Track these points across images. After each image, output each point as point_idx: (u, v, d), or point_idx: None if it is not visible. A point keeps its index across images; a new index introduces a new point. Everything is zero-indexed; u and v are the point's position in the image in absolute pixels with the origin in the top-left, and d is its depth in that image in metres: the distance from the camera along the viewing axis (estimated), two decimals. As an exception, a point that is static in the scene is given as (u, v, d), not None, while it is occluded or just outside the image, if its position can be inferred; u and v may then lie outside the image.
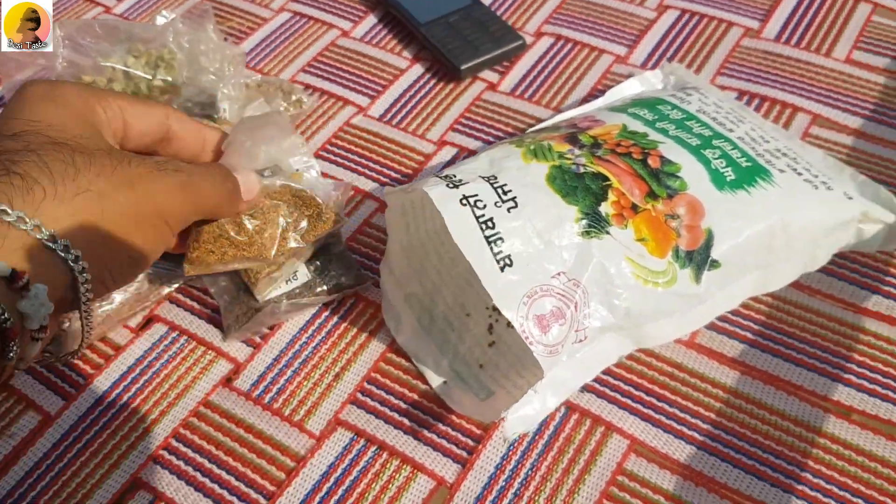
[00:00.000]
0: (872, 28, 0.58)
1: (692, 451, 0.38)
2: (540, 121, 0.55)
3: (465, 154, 0.53)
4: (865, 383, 0.40)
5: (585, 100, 0.56)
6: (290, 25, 0.64)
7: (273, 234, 0.41)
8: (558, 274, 0.36)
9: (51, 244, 0.29)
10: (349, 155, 0.54)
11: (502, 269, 0.35)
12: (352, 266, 0.46)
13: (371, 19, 0.64)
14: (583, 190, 0.37)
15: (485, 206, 0.36)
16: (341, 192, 0.45)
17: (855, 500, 0.36)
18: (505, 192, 0.37)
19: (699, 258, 0.38)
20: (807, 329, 0.42)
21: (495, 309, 0.38)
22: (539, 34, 0.61)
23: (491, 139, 0.54)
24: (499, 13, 0.63)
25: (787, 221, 0.40)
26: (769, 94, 0.54)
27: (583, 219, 0.37)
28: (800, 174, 0.42)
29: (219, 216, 0.39)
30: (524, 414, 0.38)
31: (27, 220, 0.29)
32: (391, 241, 0.43)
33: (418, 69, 0.60)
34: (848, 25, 0.59)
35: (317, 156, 0.54)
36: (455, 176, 0.38)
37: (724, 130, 0.43)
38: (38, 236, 0.29)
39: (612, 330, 0.38)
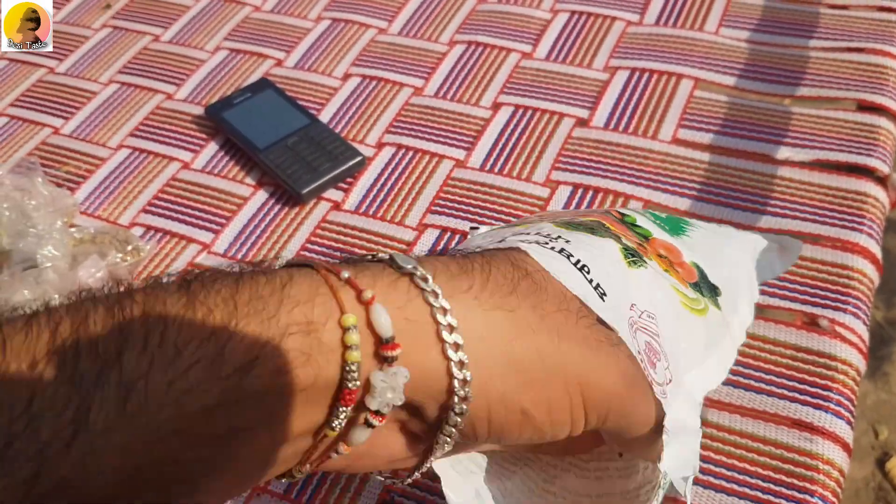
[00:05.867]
0: (695, 104, 0.61)
1: None
2: (386, 237, 0.55)
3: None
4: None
5: (429, 209, 0.56)
6: (130, 162, 0.63)
7: None
8: (632, 306, 0.31)
9: (451, 353, 0.25)
10: (194, 298, 0.53)
11: (601, 297, 0.30)
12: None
13: (212, 147, 0.64)
14: (599, 228, 0.34)
15: (547, 238, 0.32)
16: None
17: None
18: (547, 235, 0.32)
19: (705, 287, 0.36)
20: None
21: None
22: (380, 145, 0.62)
23: (338, 262, 0.54)
24: (339, 127, 0.63)
25: (727, 255, 0.40)
26: (601, 185, 0.56)
27: (623, 247, 0.33)
28: (703, 226, 0.42)
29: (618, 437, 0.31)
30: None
31: (444, 304, 0.25)
32: None
33: (262, 196, 0.59)
34: (672, 104, 0.61)
35: (161, 303, 0.53)
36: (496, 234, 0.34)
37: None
38: (444, 335, 0.25)
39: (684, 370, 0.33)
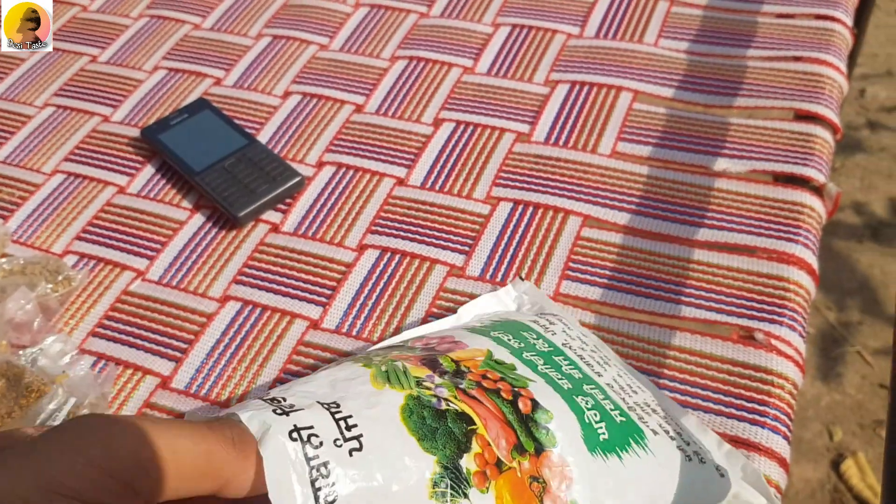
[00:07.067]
0: (634, 117, 0.61)
1: None
2: (325, 259, 0.54)
3: (251, 306, 0.52)
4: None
5: (369, 229, 0.56)
6: (65, 188, 0.62)
7: None
8: None
9: None
10: (128, 328, 0.52)
11: None
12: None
13: (148, 170, 0.62)
14: (444, 434, 0.31)
15: (321, 443, 0.29)
16: (102, 381, 0.43)
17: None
18: (349, 428, 0.30)
19: None
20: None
21: None
22: (320, 164, 0.61)
23: (276, 287, 0.53)
24: (278, 147, 0.62)
25: (657, 498, 0.35)
26: (541, 201, 0.55)
27: (440, 474, 0.30)
28: (672, 439, 0.38)
29: None
30: None
31: None
32: None
33: (198, 219, 0.58)
34: (612, 117, 0.61)
35: (94, 334, 0.52)
36: (285, 400, 0.31)
37: (593, 373, 0.39)
38: None
39: None
